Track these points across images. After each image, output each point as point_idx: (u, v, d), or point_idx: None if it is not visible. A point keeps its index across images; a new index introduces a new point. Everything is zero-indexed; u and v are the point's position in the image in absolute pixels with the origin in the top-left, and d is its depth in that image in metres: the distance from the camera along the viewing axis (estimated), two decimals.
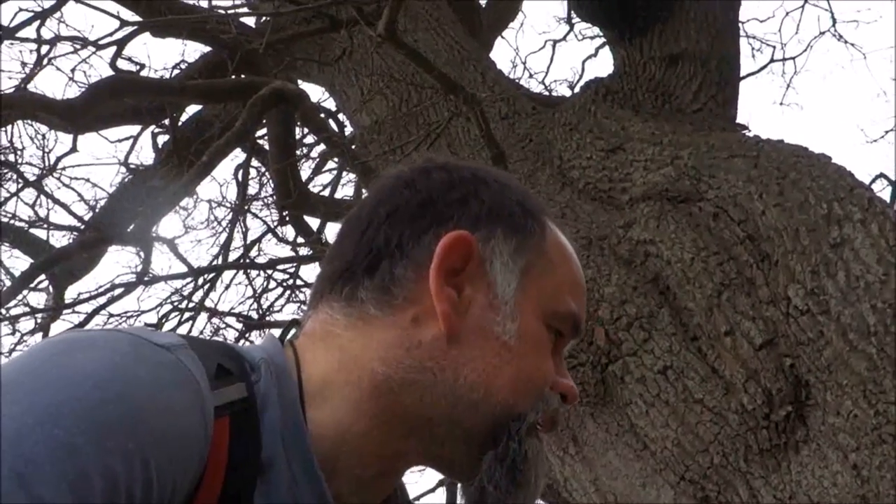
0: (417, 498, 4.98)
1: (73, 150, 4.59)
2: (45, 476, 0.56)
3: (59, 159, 4.99)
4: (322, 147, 5.66)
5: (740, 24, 3.90)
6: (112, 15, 4.03)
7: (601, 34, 5.31)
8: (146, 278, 4.10)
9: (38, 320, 4.39)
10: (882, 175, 6.35)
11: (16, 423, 0.58)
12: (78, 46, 4.68)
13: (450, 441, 0.80)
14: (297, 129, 5.23)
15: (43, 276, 4.67)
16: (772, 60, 6.98)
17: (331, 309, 0.83)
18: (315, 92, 5.73)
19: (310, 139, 5.74)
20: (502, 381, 0.80)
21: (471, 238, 0.82)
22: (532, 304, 0.83)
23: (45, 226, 4.50)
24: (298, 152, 5.48)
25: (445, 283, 0.80)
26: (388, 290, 0.81)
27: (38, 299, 5.45)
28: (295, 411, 0.75)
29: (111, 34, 4.50)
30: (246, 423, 0.72)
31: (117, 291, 4.13)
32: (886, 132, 8.43)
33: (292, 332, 0.88)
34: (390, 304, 0.81)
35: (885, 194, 6.09)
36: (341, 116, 5.14)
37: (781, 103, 7.75)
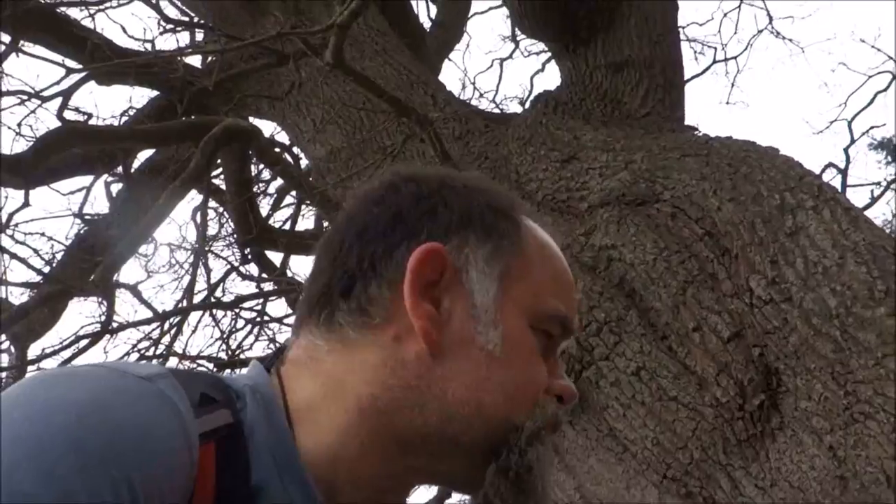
0: None
1: (26, 204, 4.53)
2: None
3: (11, 216, 4.93)
4: (279, 182, 5.64)
5: (680, 29, 3.99)
6: (58, 64, 4.00)
7: (546, 49, 5.39)
8: (111, 327, 4.04)
9: (2, 381, 4.30)
10: (831, 164, 6.52)
11: (5, 456, 0.58)
12: (24, 98, 4.63)
13: (447, 458, 0.79)
14: (254, 167, 5.22)
15: (3, 336, 4.60)
16: (714, 61, 7.16)
17: (311, 335, 0.82)
18: (268, 128, 5.72)
19: (266, 175, 5.73)
20: (493, 393, 0.78)
21: (441, 249, 0.80)
22: (515, 308, 0.81)
23: (2, 284, 4.43)
24: (256, 188, 5.45)
25: (422, 298, 0.78)
26: (366, 312, 0.80)
27: None
28: (285, 436, 0.74)
29: (57, 82, 4.45)
30: (233, 449, 0.71)
31: (83, 343, 4.06)
32: (831, 122, 8.65)
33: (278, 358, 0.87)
34: (369, 326, 0.79)
35: (836, 182, 6.25)
36: (296, 150, 5.13)
37: (728, 102, 7.96)
